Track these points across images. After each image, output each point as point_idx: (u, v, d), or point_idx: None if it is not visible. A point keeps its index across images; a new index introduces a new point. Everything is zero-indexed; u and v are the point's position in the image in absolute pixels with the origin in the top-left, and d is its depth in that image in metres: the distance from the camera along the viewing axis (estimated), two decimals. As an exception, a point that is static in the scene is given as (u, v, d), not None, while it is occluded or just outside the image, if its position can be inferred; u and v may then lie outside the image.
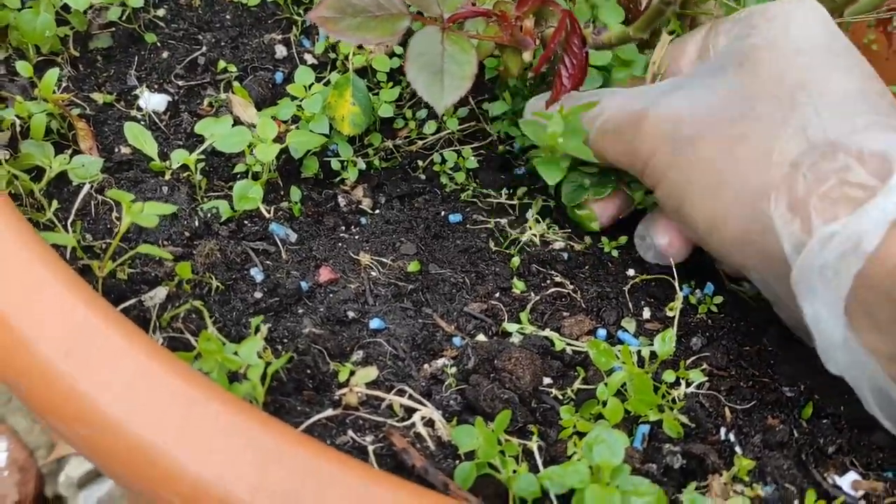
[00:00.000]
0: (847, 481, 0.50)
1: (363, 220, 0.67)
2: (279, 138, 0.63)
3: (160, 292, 0.50)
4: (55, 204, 0.54)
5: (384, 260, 0.62)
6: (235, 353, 0.45)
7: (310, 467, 0.38)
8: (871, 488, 0.50)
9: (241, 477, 0.37)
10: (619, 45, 0.56)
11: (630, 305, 0.61)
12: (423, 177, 0.73)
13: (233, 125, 0.64)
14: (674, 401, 0.52)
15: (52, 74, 0.56)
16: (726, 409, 0.53)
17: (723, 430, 0.52)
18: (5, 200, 0.44)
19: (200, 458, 0.37)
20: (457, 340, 0.57)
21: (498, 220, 0.68)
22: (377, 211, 0.69)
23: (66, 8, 0.69)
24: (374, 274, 0.61)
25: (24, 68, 0.57)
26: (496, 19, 0.54)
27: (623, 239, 0.67)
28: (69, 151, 0.60)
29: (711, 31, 0.60)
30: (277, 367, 0.46)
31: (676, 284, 0.59)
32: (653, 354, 0.55)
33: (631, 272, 0.64)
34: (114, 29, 0.72)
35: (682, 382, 0.53)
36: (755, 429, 0.52)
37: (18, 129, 0.57)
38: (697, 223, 0.56)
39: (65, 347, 0.37)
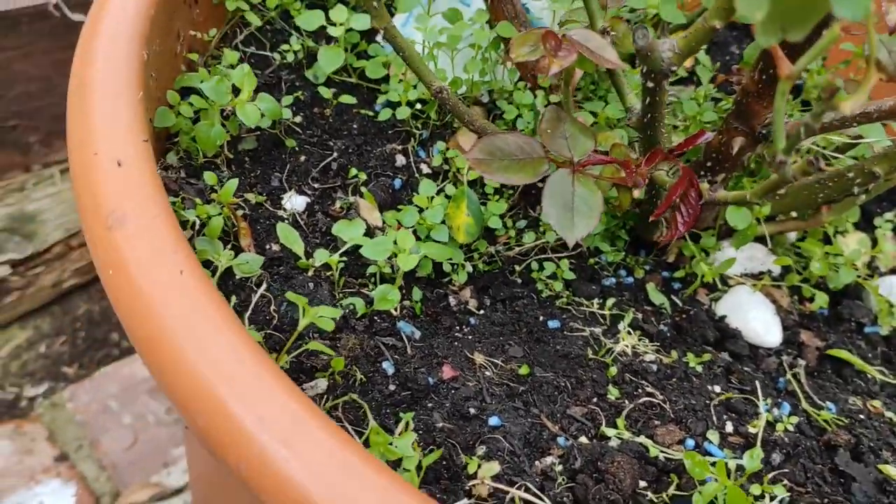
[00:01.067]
0: None
1: (472, 321, 0.76)
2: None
3: (321, 383, 0.59)
4: (234, 299, 0.62)
5: (495, 361, 0.70)
6: (392, 445, 0.53)
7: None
8: None
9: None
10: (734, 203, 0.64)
11: (714, 419, 0.68)
12: (519, 280, 0.82)
13: (364, 228, 0.73)
14: (760, 513, 0.59)
15: (233, 184, 0.66)
16: (806, 525, 0.60)
17: (803, 544, 0.58)
18: (215, 292, 0.53)
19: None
20: (561, 440, 0.64)
21: (592, 328, 0.76)
22: (482, 311, 0.77)
23: (221, 112, 0.79)
24: (488, 373, 0.68)
25: (210, 178, 0.67)
26: (619, 166, 0.63)
27: (707, 356, 0.75)
28: (230, 247, 0.69)
29: None
30: (431, 461, 0.53)
31: (760, 404, 0.66)
32: (739, 467, 0.62)
33: (717, 388, 0.71)
34: (259, 133, 0.82)
35: (766, 496, 0.60)
36: (832, 545, 0.59)
37: (196, 228, 0.67)
38: None
39: (282, 437, 0.45)
